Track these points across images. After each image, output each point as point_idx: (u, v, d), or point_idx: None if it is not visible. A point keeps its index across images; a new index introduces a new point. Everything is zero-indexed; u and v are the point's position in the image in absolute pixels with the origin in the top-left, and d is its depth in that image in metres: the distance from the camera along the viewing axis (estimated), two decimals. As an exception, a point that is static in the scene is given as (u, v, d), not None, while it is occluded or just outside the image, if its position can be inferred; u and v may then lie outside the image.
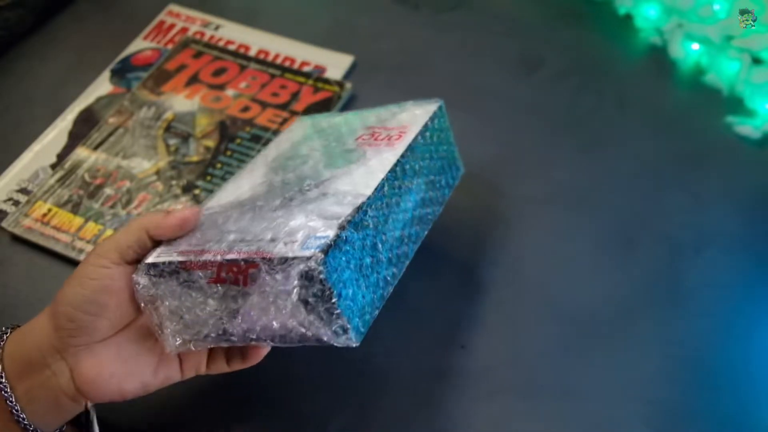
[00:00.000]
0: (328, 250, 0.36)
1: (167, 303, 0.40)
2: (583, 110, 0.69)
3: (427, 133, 0.49)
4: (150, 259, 0.41)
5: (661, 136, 0.66)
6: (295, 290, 0.36)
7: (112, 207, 0.60)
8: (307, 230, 0.38)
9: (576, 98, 0.70)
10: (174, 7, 0.79)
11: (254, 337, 0.39)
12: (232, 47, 0.75)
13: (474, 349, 0.53)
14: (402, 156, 0.45)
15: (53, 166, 0.64)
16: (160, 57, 0.74)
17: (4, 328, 0.42)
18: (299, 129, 0.58)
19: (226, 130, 0.66)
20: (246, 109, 0.68)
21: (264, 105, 0.68)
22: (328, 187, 0.44)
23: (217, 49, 0.74)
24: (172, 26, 0.77)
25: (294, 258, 0.36)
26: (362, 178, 0.43)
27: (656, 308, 0.55)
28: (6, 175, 0.64)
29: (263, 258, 0.37)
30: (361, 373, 0.52)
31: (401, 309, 0.55)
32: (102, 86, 0.71)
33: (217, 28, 0.77)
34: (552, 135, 0.67)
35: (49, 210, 0.60)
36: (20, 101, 0.72)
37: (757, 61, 0.68)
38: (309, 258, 0.36)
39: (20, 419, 0.40)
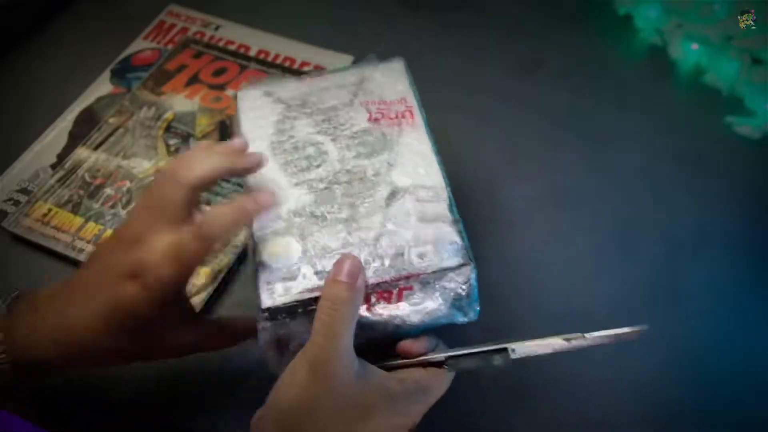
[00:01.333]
0: (467, 254, 0.42)
1: (300, 340, 0.39)
2: (583, 110, 0.69)
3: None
4: (274, 302, 0.40)
5: (661, 136, 0.66)
6: (444, 295, 0.41)
7: (112, 207, 0.60)
8: (430, 237, 0.42)
9: (576, 98, 0.70)
10: (174, 7, 0.79)
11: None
12: (232, 47, 0.75)
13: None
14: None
15: (53, 166, 0.64)
16: (160, 57, 0.74)
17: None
18: (256, 102, 0.52)
19: (226, 130, 0.66)
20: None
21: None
22: (389, 183, 0.45)
23: (218, 49, 0.74)
24: (172, 26, 0.77)
25: (446, 269, 0.41)
26: (420, 168, 0.46)
27: (656, 308, 0.55)
28: (6, 175, 0.64)
29: (415, 275, 0.40)
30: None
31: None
32: (102, 86, 0.71)
33: (217, 28, 0.77)
34: (552, 135, 0.67)
35: (50, 210, 0.60)
36: (20, 101, 0.72)
37: (756, 61, 0.68)
38: (461, 266, 0.41)
39: None
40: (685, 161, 0.64)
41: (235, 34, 0.76)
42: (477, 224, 0.61)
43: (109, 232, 0.59)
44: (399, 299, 0.41)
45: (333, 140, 0.48)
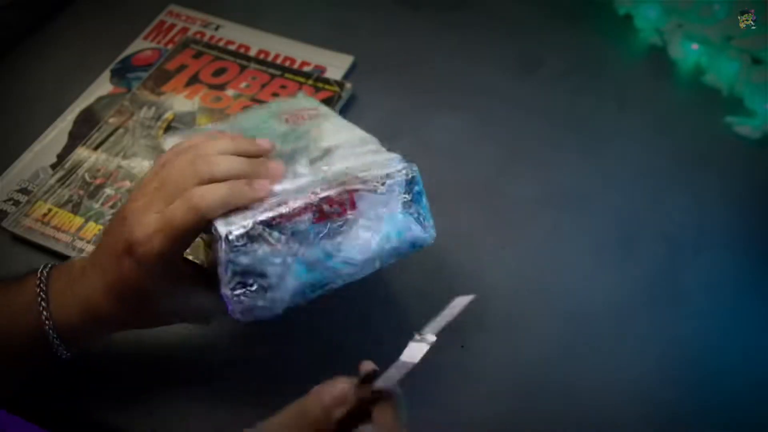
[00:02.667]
0: (407, 162, 0.45)
1: (267, 269, 0.41)
2: (583, 110, 0.69)
3: None
4: (236, 230, 0.40)
5: (661, 136, 0.66)
6: (400, 196, 0.44)
7: (112, 207, 0.60)
8: (374, 162, 0.45)
9: (576, 98, 0.70)
10: (174, 7, 0.79)
11: (352, 270, 0.43)
12: (232, 47, 0.75)
13: (474, 349, 0.53)
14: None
15: (53, 166, 0.64)
16: (160, 57, 0.74)
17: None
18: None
19: (226, 130, 0.66)
20: (245, 108, 0.68)
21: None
22: (320, 149, 0.47)
23: (218, 49, 0.74)
24: (172, 26, 0.77)
25: (395, 171, 0.44)
26: (343, 132, 0.49)
27: (656, 308, 0.55)
28: (6, 175, 0.64)
29: (365, 181, 0.43)
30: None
31: (401, 308, 0.55)
32: (102, 86, 0.71)
33: (217, 28, 0.77)
34: (552, 135, 0.67)
35: (50, 210, 0.60)
36: (20, 101, 0.72)
37: (756, 61, 0.68)
38: (406, 167, 0.44)
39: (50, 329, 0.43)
40: (685, 161, 0.64)
41: (235, 34, 0.76)
42: (477, 224, 0.61)
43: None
44: (352, 206, 0.43)
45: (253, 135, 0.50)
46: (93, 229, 0.59)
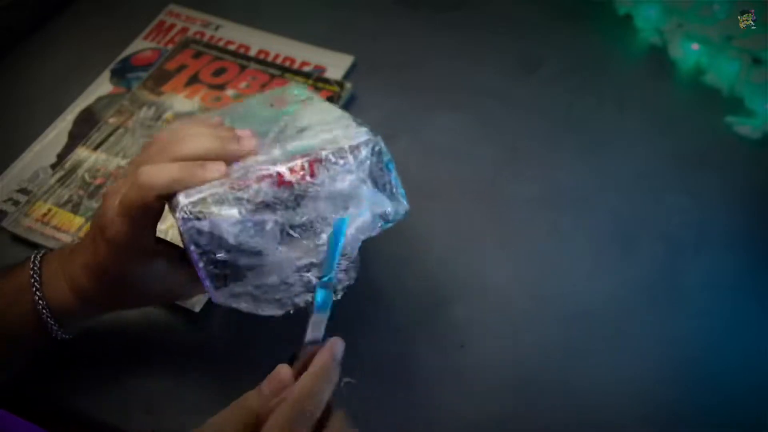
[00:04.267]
0: (372, 133, 0.44)
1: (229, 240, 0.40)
2: (583, 110, 0.69)
3: None
4: (188, 199, 0.40)
5: (661, 136, 0.66)
6: (364, 168, 0.43)
7: (112, 207, 0.60)
8: (341, 136, 0.44)
9: (576, 98, 0.70)
10: (174, 7, 0.79)
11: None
12: (232, 47, 0.75)
13: (474, 349, 0.53)
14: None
15: (53, 166, 0.64)
16: (160, 57, 0.74)
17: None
18: None
19: (226, 130, 0.66)
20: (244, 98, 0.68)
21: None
22: (303, 124, 0.47)
23: (217, 49, 0.74)
24: (172, 26, 0.77)
25: (359, 143, 0.43)
26: (321, 113, 0.48)
27: (656, 308, 0.55)
28: (6, 175, 0.64)
29: (327, 153, 0.42)
30: (361, 372, 0.52)
31: (401, 309, 0.55)
32: (102, 86, 0.71)
33: (217, 28, 0.77)
34: (552, 135, 0.67)
35: (49, 210, 0.60)
36: (20, 101, 0.72)
37: (756, 61, 0.68)
38: (371, 140, 0.43)
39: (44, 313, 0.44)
40: (685, 161, 0.64)
41: (235, 34, 0.76)
42: (477, 224, 0.61)
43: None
44: (312, 175, 0.42)
45: (247, 124, 0.49)
46: (93, 229, 0.59)
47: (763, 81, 0.67)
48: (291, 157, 0.42)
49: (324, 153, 0.42)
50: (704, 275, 0.56)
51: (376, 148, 0.44)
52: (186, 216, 0.39)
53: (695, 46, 0.71)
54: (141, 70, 0.72)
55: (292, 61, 0.73)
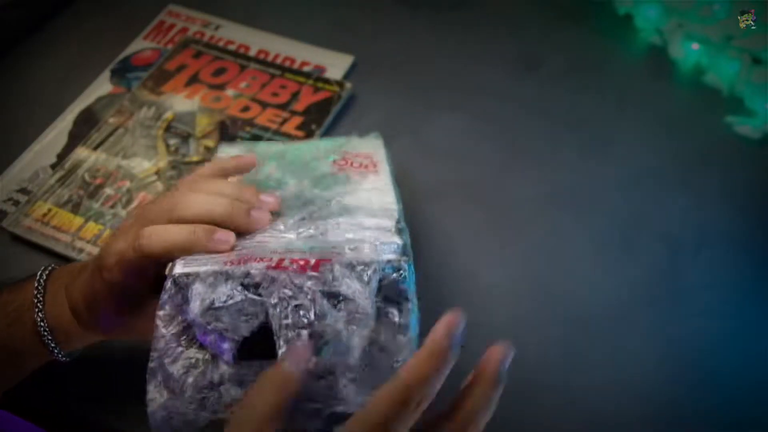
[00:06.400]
0: (404, 252, 0.37)
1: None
2: (583, 110, 0.69)
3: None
4: (187, 269, 0.37)
5: (661, 136, 0.66)
6: (374, 291, 0.36)
7: (112, 207, 0.60)
8: (368, 240, 0.38)
9: (576, 98, 0.70)
10: (174, 7, 0.79)
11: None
12: (232, 47, 0.75)
13: (474, 350, 0.53)
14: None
15: (53, 166, 0.64)
16: (160, 57, 0.74)
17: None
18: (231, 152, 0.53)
19: (226, 130, 0.66)
20: (246, 109, 0.68)
21: (264, 105, 0.68)
22: (342, 204, 0.43)
23: (217, 49, 0.74)
24: (172, 26, 0.77)
25: (380, 260, 0.36)
26: (374, 195, 0.44)
27: (656, 308, 0.55)
28: (6, 175, 0.64)
29: (341, 261, 0.35)
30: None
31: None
32: (102, 86, 0.71)
33: (217, 28, 0.77)
34: (552, 135, 0.67)
35: (49, 210, 0.60)
36: (20, 101, 0.72)
37: (757, 61, 0.68)
38: (396, 260, 0.36)
39: (44, 334, 0.44)
40: (685, 161, 0.64)
41: (235, 34, 0.76)
42: (477, 224, 0.61)
43: (108, 232, 0.59)
44: (315, 268, 0.35)
45: (295, 178, 0.48)
46: (93, 229, 0.59)
47: (763, 81, 0.67)
48: (302, 252, 0.37)
49: (338, 260, 0.36)
50: (704, 275, 0.56)
51: (401, 274, 0.36)
52: (174, 283, 0.37)
53: (695, 46, 0.71)
54: (141, 70, 0.72)
55: (292, 61, 0.73)
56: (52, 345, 0.45)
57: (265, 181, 0.48)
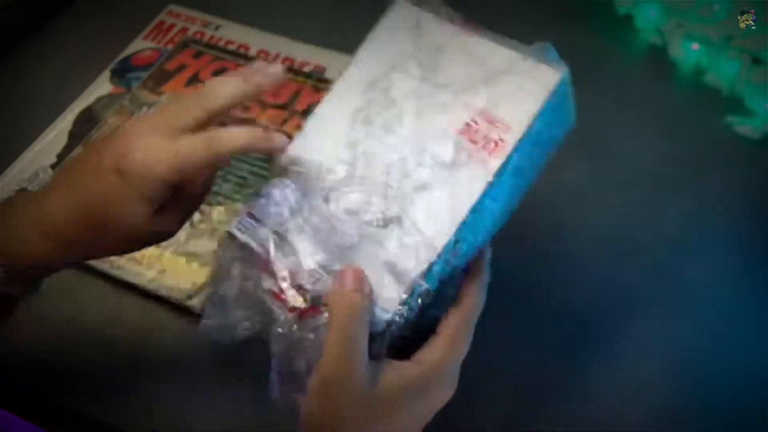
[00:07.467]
0: (384, 329, 0.37)
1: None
2: (582, 110, 0.69)
3: (535, 128, 0.42)
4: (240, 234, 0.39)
5: (661, 136, 0.66)
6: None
7: (112, 207, 0.60)
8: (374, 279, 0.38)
9: (576, 98, 0.70)
10: (174, 7, 0.79)
11: None
12: (232, 47, 0.75)
13: (473, 350, 0.53)
14: (495, 177, 0.40)
15: (53, 166, 0.64)
16: (160, 57, 0.74)
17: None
18: (399, 28, 0.47)
19: (226, 130, 0.66)
20: (246, 109, 0.68)
21: (264, 105, 0.68)
22: (409, 205, 0.40)
23: (217, 49, 0.74)
24: (172, 26, 0.77)
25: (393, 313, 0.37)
26: (442, 213, 0.39)
27: (656, 308, 0.55)
28: (6, 175, 0.64)
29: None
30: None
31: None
32: (102, 86, 0.71)
33: (217, 28, 0.77)
34: (552, 135, 0.67)
35: (49, 210, 0.60)
36: (20, 101, 0.72)
37: (757, 61, 0.68)
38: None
39: None
40: (685, 161, 0.64)
41: (235, 34, 0.76)
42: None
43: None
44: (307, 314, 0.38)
45: (416, 116, 0.42)
46: (93, 229, 0.59)
47: (763, 81, 0.67)
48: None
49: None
50: (704, 275, 0.56)
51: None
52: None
53: (695, 46, 0.71)
54: (141, 70, 0.72)
55: (292, 61, 0.73)
56: (10, 282, 0.41)
57: (382, 107, 0.44)
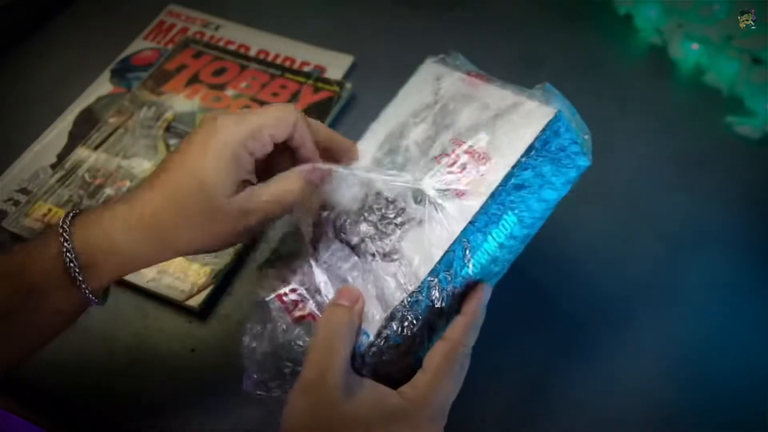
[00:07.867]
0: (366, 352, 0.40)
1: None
2: (583, 110, 0.69)
3: (525, 164, 0.45)
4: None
5: (661, 136, 0.66)
6: None
7: (112, 207, 0.60)
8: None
9: (576, 98, 0.70)
10: (174, 7, 0.79)
11: None
12: (232, 47, 0.75)
13: (474, 350, 0.53)
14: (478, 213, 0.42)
15: (53, 166, 0.64)
16: (160, 57, 0.74)
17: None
18: (427, 80, 0.53)
19: (226, 130, 0.66)
20: (246, 109, 0.68)
21: (264, 105, 0.68)
22: (401, 238, 0.42)
23: (217, 49, 0.74)
24: (172, 26, 0.77)
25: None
26: (427, 245, 0.41)
27: (655, 308, 0.55)
28: (6, 175, 0.64)
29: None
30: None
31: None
32: (102, 86, 0.71)
33: (217, 28, 0.77)
34: (552, 135, 0.67)
35: (50, 210, 0.60)
36: (20, 101, 0.72)
37: (757, 61, 0.68)
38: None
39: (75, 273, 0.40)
40: (685, 161, 0.64)
41: (235, 34, 0.76)
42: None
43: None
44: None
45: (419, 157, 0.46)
46: (93, 229, 0.59)
47: (763, 81, 0.67)
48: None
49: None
50: (703, 275, 0.56)
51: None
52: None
53: (695, 46, 0.71)
54: (141, 70, 0.73)
55: (292, 61, 0.73)
56: (87, 291, 0.40)
57: (395, 150, 0.48)
